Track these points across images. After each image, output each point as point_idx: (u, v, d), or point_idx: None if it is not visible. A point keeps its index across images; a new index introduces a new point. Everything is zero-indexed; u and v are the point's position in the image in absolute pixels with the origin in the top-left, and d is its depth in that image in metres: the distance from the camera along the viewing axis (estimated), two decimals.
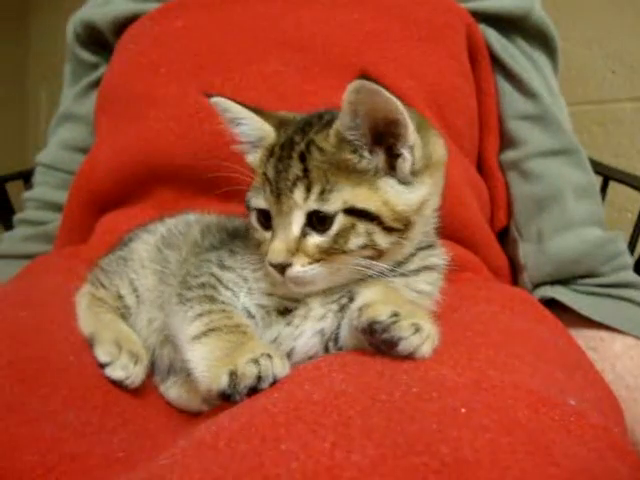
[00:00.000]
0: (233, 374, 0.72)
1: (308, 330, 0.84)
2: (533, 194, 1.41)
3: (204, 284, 0.88)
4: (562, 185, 1.38)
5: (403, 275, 0.85)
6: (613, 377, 1.18)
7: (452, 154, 1.31)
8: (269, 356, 0.74)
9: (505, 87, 1.47)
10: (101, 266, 1.09)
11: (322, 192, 0.78)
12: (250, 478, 0.52)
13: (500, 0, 1.47)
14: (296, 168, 0.80)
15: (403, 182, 0.80)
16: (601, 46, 1.92)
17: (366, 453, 0.54)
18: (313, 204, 0.78)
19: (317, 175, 0.79)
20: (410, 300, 0.83)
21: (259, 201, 0.84)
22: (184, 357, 0.81)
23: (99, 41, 1.65)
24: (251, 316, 0.87)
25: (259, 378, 0.72)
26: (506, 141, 1.47)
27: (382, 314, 0.73)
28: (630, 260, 1.36)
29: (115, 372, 0.89)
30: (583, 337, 1.23)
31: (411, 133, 0.77)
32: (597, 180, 1.50)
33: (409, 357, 0.72)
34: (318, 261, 0.80)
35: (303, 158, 0.80)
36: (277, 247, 0.80)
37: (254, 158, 0.89)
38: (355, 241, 0.79)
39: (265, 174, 0.83)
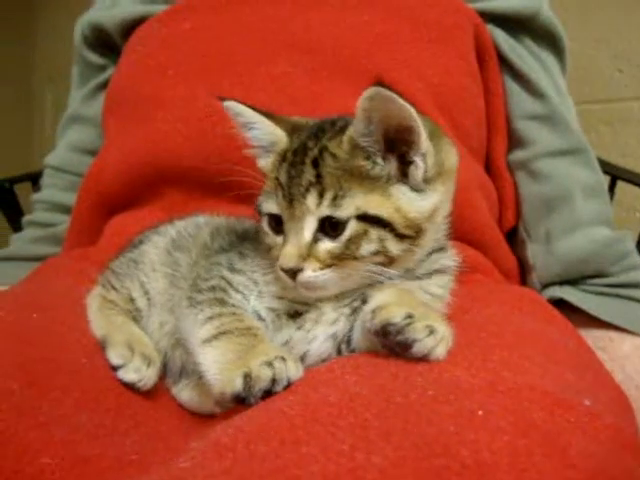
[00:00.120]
0: (247, 377, 0.72)
1: (321, 334, 0.84)
2: (541, 194, 1.41)
3: (214, 287, 0.88)
4: (571, 185, 1.38)
5: (416, 278, 0.86)
6: (623, 377, 1.18)
7: (460, 155, 1.31)
8: (283, 359, 0.74)
9: (513, 87, 1.47)
10: (112, 268, 1.09)
11: (335, 198, 0.78)
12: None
13: (508, 0, 1.47)
14: (309, 174, 0.80)
15: (415, 189, 0.80)
16: (608, 46, 1.92)
17: (386, 455, 0.54)
18: (326, 210, 0.79)
19: (330, 181, 0.79)
20: (423, 302, 0.83)
21: (271, 206, 0.84)
22: (195, 360, 0.81)
23: (107, 43, 1.66)
24: (261, 319, 0.87)
25: (274, 381, 0.72)
26: (514, 141, 1.47)
27: (396, 316, 0.73)
28: (639, 260, 1.35)
29: (128, 374, 0.89)
30: (592, 337, 1.22)
31: (424, 141, 0.78)
32: (605, 180, 1.50)
33: (423, 359, 0.72)
34: (329, 266, 0.80)
35: (316, 164, 0.80)
36: (289, 252, 0.80)
37: (266, 163, 0.89)
38: (367, 247, 0.79)
39: (277, 179, 0.83)
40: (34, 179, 1.98)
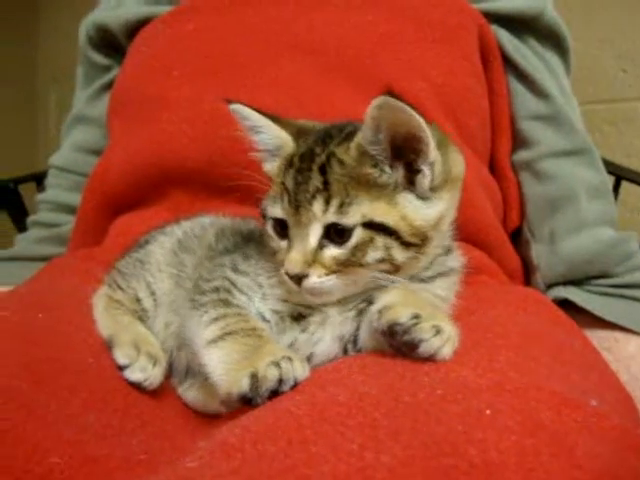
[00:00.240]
0: (254, 377, 0.72)
1: (328, 336, 0.85)
2: (546, 194, 1.41)
3: (218, 288, 0.89)
4: (575, 185, 1.38)
5: (421, 281, 0.86)
6: (628, 378, 1.18)
7: (464, 155, 1.31)
8: (290, 359, 0.75)
9: (517, 88, 1.47)
10: (118, 268, 1.09)
11: (341, 205, 0.78)
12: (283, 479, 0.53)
13: (512, 1, 1.47)
14: (316, 180, 0.80)
15: (421, 197, 0.81)
16: (613, 46, 1.92)
17: (395, 454, 0.54)
18: (332, 217, 0.79)
19: (337, 188, 0.79)
20: (430, 302, 0.83)
21: (276, 210, 0.84)
22: (200, 361, 0.81)
23: (111, 44, 1.66)
24: (265, 321, 0.87)
25: (280, 381, 0.72)
26: (518, 142, 1.47)
27: (402, 316, 0.73)
28: None
29: (134, 374, 0.89)
30: (597, 338, 1.23)
31: (432, 150, 0.78)
32: (609, 180, 1.50)
33: (429, 359, 0.72)
34: (334, 273, 0.80)
35: (323, 170, 0.80)
36: (294, 258, 0.80)
37: (272, 167, 0.89)
38: (373, 255, 0.79)
39: (283, 184, 0.83)
40: (39, 179, 1.98)
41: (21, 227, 1.86)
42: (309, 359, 0.84)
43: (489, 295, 1.10)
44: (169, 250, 1.08)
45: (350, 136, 0.82)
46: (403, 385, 0.66)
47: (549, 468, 0.54)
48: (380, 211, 0.79)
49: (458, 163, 0.86)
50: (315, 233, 0.80)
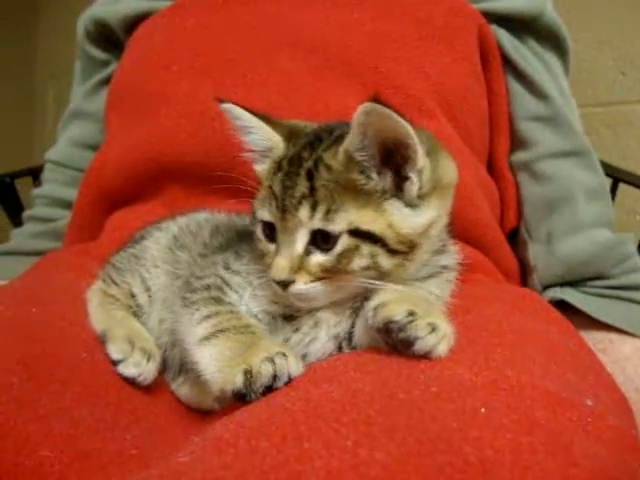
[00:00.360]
0: (248, 373, 0.72)
1: (323, 336, 0.84)
2: (544, 195, 1.41)
3: (209, 286, 0.88)
4: (573, 187, 1.38)
5: (414, 280, 0.85)
6: (623, 379, 1.18)
7: (463, 155, 1.32)
8: (284, 355, 0.74)
9: (516, 88, 1.47)
10: (112, 263, 1.09)
11: (327, 212, 0.78)
12: (275, 475, 0.52)
13: (512, 1, 1.46)
14: (303, 186, 0.79)
15: (409, 205, 0.80)
16: (611, 48, 1.91)
17: (389, 451, 0.54)
18: (318, 223, 0.78)
19: (323, 194, 0.78)
20: (424, 298, 0.82)
21: (265, 213, 0.84)
22: (192, 359, 0.81)
23: (110, 38, 1.66)
24: (257, 319, 0.87)
25: (275, 377, 0.72)
26: (517, 142, 1.47)
27: (398, 314, 0.72)
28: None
29: (128, 369, 0.89)
30: (592, 339, 1.22)
31: (420, 157, 0.77)
32: (607, 182, 1.50)
33: (425, 356, 0.71)
34: (320, 280, 0.80)
35: (310, 176, 0.79)
36: (280, 264, 0.80)
37: (261, 169, 0.89)
38: (358, 262, 0.78)
39: (271, 188, 0.83)
40: (35, 174, 1.97)
41: (17, 222, 1.85)
42: (303, 358, 0.83)
43: (484, 293, 1.09)
44: (164, 246, 1.07)
45: (339, 140, 0.80)
46: (398, 382, 0.66)
47: (545, 466, 0.54)
48: (367, 219, 0.78)
49: (450, 170, 0.86)
50: (301, 239, 0.80)
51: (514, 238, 1.48)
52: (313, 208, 0.78)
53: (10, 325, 0.90)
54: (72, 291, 1.07)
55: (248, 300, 0.88)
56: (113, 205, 1.45)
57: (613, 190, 1.64)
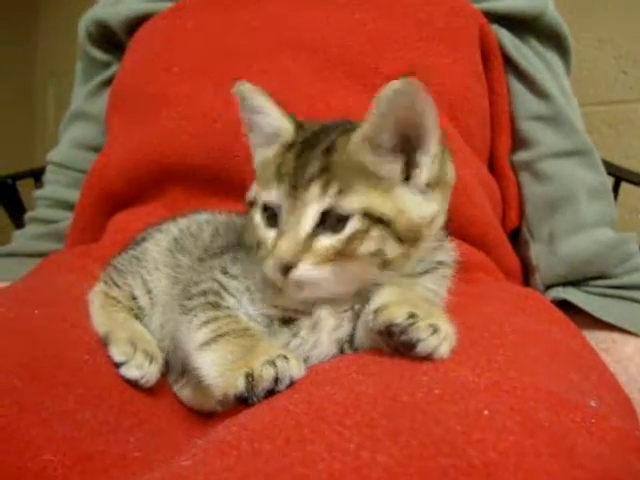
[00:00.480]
0: (250, 376, 0.71)
1: (325, 340, 0.83)
2: (545, 195, 1.41)
3: (206, 291, 0.87)
4: (575, 186, 1.38)
5: (410, 276, 0.85)
6: (626, 379, 1.17)
7: (464, 154, 1.31)
8: (285, 357, 0.74)
9: (518, 87, 1.47)
10: (114, 265, 1.08)
11: (340, 191, 0.77)
12: (278, 478, 0.52)
13: (513, 1, 1.46)
14: (316, 164, 0.78)
15: (419, 193, 0.80)
16: (613, 47, 1.91)
17: (392, 454, 0.54)
18: (330, 200, 0.77)
19: (337, 174, 0.77)
20: (425, 298, 0.82)
21: (269, 194, 0.82)
22: (193, 365, 0.81)
23: (111, 40, 1.66)
24: (256, 323, 0.86)
25: (276, 380, 0.71)
26: (518, 142, 1.47)
27: (399, 316, 0.72)
28: None
29: (130, 371, 0.88)
30: (595, 339, 1.22)
31: (435, 143, 0.77)
32: (609, 181, 1.50)
33: (427, 358, 0.71)
34: (325, 263, 0.78)
35: (325, 155, 0.79)
36: (284, 245, 0.77)
37: (262, 156, 0.88)
38: (367, 246, 0.77)
39: (280, 168, 0.81)
40: (37, 175, 1.98)
41: (19, 223, 1.85)
42: (305, 361, 0.82)
43: (484, 292, 1.09)
44: (165, 248, 1.07)
45: (353, 128, 0.80)
46: (401, 384, 0.66)
47: (549, 469, 0.53)
48: (379, 201, 0.77)
49: (450, 170, 0.86)
50: (310, 218, 0.77)
51: (516, 238, 1.48)
52: (326, 185, 0.77)
53: (12, 327, 0.90)
54: (74, 293, 1.07)
55: (246, 304, 0.87)
56: (115, 207, 1.45)
57: (615, 189, 1.64)
